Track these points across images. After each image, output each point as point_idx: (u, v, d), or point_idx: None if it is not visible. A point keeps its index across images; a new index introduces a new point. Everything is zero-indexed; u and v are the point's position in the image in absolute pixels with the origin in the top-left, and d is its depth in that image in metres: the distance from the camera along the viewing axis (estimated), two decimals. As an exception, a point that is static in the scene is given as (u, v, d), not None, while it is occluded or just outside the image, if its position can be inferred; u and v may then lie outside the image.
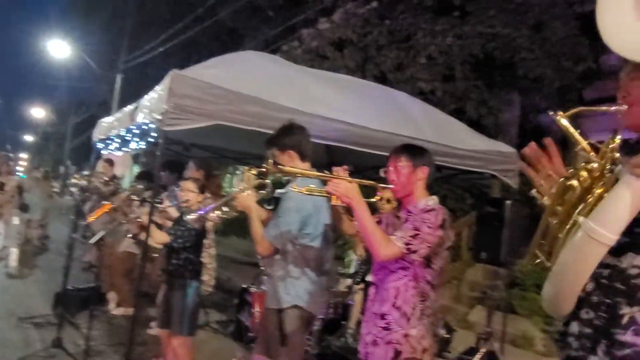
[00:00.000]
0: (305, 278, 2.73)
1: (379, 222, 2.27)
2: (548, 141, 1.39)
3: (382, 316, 2.09)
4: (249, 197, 2.32)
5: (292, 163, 2.64)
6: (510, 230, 4.18)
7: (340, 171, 2.08)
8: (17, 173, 14.14)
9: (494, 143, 4.26)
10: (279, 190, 2.81)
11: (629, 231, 1.22)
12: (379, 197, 2.33)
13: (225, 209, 2.46)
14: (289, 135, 2.73)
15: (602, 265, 1.26)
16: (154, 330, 5.03)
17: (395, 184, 2.21)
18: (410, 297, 2.06)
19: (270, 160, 2.14)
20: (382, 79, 8.72)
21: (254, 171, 2.69)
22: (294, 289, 2.68)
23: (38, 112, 33.70)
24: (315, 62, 9.00)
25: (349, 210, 2.15)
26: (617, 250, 1.25)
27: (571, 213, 1.30)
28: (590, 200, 1.26)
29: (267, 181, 2.67)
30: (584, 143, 1.34)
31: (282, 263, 2.73)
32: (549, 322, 6.09)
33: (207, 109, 2.88)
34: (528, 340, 6.01)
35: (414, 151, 2.28)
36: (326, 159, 5.32)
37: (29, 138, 45.39)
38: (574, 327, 1.32)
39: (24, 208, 9.52)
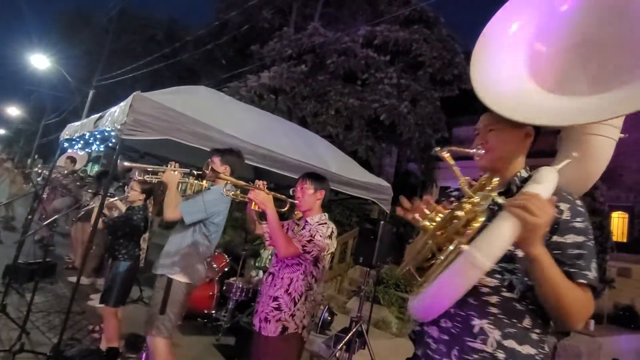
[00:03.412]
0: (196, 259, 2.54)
1: (282, 227, 2.25)
2: (427, 197, 1.21)
3: (275, 299, 2.06)
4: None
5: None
6: (381, 242, 4.27)
7: (261, 185, 2.04)
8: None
9: (376, 179, 4.32)
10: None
11: None
12: (297, 215, 2.31)
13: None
14: (233, 155, 2.64)
15: None
16: (94, 302, 4.46)
17: (299, 200, 2.22)
18: (299, 287, 2.06)
19: (211, 167, 1.98)
20: (303, 122, 8.74)
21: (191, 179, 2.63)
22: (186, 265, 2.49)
23: (13, 111, 29.11)
24: (254, 101, 8.74)
25: (262, 215, 2.13)
26: None
27: (451, 238, 1.10)
28: (470, 230, 1.07)
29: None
30: (463, 179, 1.15)
31: (179, 239, 2.52)
32: (402, 312, 6.32)
33: (160, 126, 2.63)
34: (386, 323, 6.08)
35: (317, 178, 2.29)
36: (253, 175, 5.16)
37: (1, 131, 39.24)
38: (434, 331, 1.21)
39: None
